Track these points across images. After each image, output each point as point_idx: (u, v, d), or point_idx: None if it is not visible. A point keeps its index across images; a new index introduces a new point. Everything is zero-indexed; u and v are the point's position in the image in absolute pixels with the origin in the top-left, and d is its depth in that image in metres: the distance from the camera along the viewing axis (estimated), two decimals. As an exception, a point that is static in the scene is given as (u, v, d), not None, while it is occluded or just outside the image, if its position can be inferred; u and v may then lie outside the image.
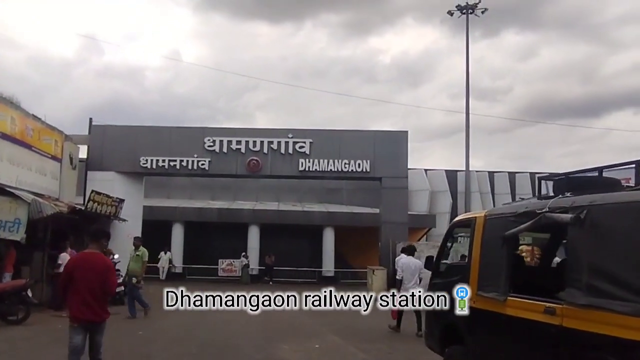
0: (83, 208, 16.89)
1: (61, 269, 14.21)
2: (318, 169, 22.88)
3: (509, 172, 36.46)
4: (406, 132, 23.57)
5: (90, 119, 23.19)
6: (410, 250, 13.02)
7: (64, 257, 14.17)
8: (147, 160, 22.86)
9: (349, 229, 30.93)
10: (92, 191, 17.81)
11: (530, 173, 35.79)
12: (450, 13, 28.00)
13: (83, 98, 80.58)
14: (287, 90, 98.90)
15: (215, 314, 14.35)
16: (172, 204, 31.02)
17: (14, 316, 11.55)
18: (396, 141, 23.30)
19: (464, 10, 27.21)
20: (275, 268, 29.26)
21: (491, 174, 36.15)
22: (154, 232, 23.63)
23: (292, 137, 23.06)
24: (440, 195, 35.08)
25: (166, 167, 22.96)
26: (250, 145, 22.94)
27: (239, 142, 22.97)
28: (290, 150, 22.92)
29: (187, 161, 22.87)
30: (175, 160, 22.90)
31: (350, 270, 30.75)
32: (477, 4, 27.10)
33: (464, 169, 27.54)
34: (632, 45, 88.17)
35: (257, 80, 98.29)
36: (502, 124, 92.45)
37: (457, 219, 7.92)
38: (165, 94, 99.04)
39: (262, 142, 22.97)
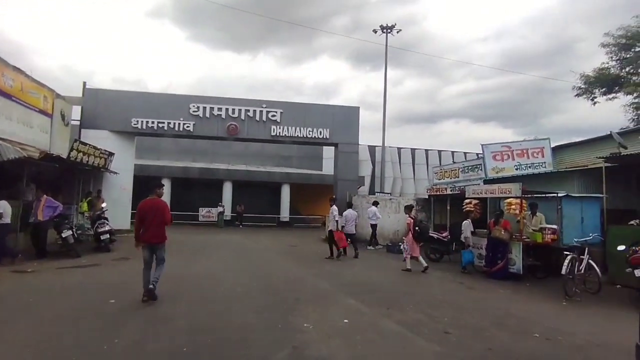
0: (65, 157, 10.88)
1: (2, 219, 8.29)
2: (287, 135, 17.61)
3: (411, 148, 33.12)
4: (358, 107, 18.62)
5: (84, 82, 16.66)
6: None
7: (4, 205, 8.30)
8: (137, 121, 16.78)
9: (301, 185, 26.42)
10: (76, 140, 11.89)
11: (425, 150, 33.05)
12: (375, 31, 24.10)
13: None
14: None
15: (197, 266, 9.13)
16: (160, 164, 24.97)
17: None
18: (350, 114, 18.31)
19: (384, 30, 23.61)
20: (244, 215, 24.64)
21: (399, 149, 32.59)
22: (145, 185, 17.72)
23: (265, 107, 17.68)
24: (364, 163, 31.13)
25: (155, 128, 16.91)
26: (230, 112, 17.32)
27: (219, 109, 17.28)
28: (264, 118, 17.51)
29: (174, 124, 16.96)
30: (163, 123, 16.90)
31: (300, 216, 26.71)
32: (394, 26, 23.64)
33: (381, 145, 23.68)
34: (458, 81, 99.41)
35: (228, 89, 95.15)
36: (380, 125, 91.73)
37: None
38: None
39: (239, 110, 17.39)
